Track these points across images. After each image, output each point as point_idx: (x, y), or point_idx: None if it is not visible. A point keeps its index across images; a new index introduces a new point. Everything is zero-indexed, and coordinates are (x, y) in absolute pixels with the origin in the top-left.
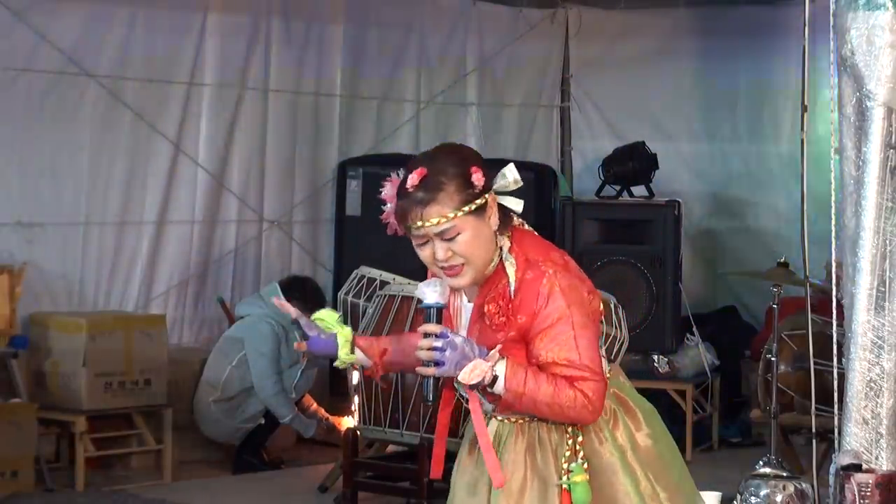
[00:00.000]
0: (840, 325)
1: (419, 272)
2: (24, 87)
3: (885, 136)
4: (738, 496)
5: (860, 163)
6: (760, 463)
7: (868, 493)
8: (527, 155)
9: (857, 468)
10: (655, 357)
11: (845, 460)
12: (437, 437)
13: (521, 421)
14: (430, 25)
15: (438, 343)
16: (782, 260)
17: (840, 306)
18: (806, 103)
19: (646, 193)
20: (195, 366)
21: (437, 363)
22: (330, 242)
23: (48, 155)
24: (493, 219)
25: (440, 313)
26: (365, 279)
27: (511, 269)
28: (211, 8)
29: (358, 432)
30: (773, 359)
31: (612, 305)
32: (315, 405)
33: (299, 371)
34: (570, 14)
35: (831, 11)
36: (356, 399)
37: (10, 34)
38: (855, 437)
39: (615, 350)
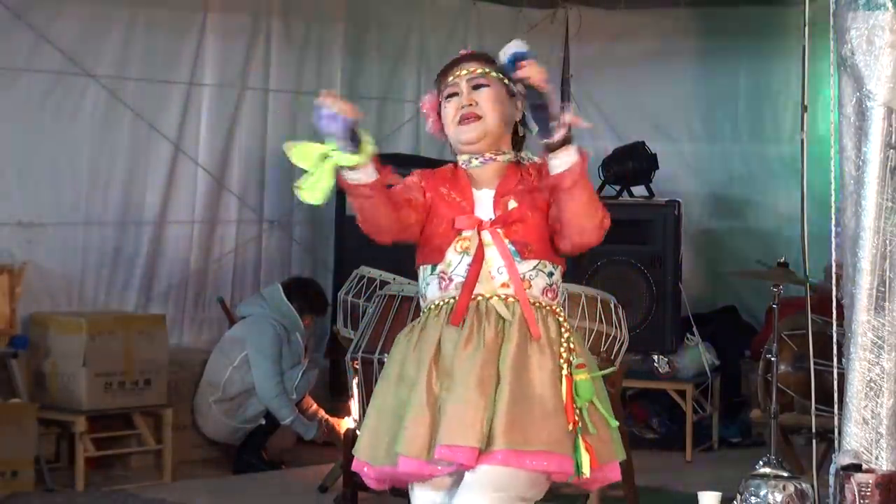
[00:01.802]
0: (840, 325)
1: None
2: (24, 87)
3: (885, 136)
4: (738, 496)
5: (860, 163)
6: (760, 463)
7: (868, 493)
8: None
9: (857, 468)
10: (655, 357)
11: (845, 460)
12: (465, 287)
13: (517, 300)
14: (430, 25)
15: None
16: (782, 260)
17: (840, 306)
18: (806, 103)
19: (646, 193)
20: (195, 366)
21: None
22: (330, 242)
23: (48, 155)
24: (518, 113)
25: (530, 55)
26: (365, 279)
27: (532, 157)
28: (211, 8)
29: (358, 432)
30: (773, 359)
31: (612, 305)
32: (315, 406)
33: (300, 372)
34: (570, 14)
35: (831, 11)
36: (355, 399)
37: (10, 34)
38: (855, 437)
39: (615, 350)
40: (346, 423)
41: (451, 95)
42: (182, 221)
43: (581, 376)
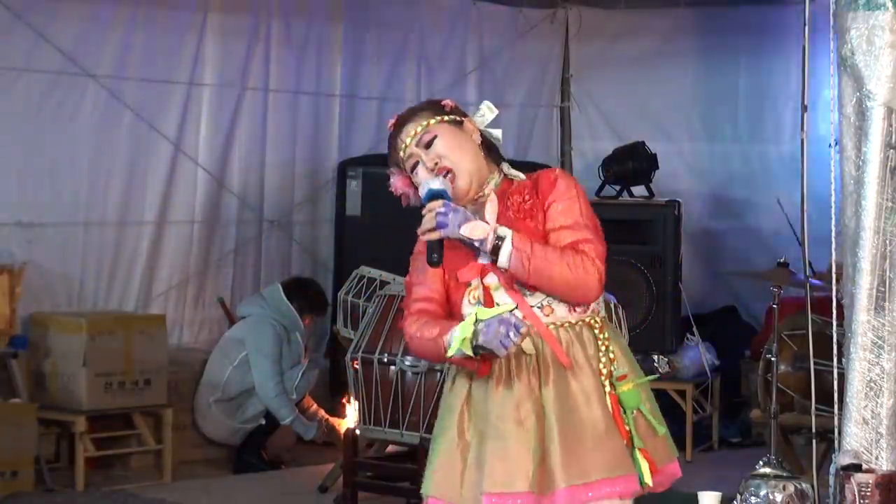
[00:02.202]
0: (840, 325)
1: None
2: (24, 87)
3: (885, 136)
4: (738, 496)
5: (860, 163)
6: (760, 463)
7: (868, 493)
8: (527, 155)
9: (857, 468)
10: (655, 357)
11: (845, 460)
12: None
13: (550, 326)
14: (430, 25)
15: (442, 209)
16: (782, 260)
17: (840, 306)
18: (806, 103)
19: (646, 193)
20: (195, 366)
21: (440, 225)
22: (330, 242)
23: (48, 155)
24: (476, 136)
25: (442, 194)
26: (365, 279)
27: (519, 174)
28: (211, 8)
29: (358, 432)
30: (773, 359)
31: (612, 305)
32: (315, 406)
33: (300, 372)
34: (570, 14)
35: (831, 11)
36: (355, 399)
37: (10, 34)
38: (855, 437)
39: None
40: (346, 423)
41: (413, 167)
42: (182, 221)
43: (625, 387)
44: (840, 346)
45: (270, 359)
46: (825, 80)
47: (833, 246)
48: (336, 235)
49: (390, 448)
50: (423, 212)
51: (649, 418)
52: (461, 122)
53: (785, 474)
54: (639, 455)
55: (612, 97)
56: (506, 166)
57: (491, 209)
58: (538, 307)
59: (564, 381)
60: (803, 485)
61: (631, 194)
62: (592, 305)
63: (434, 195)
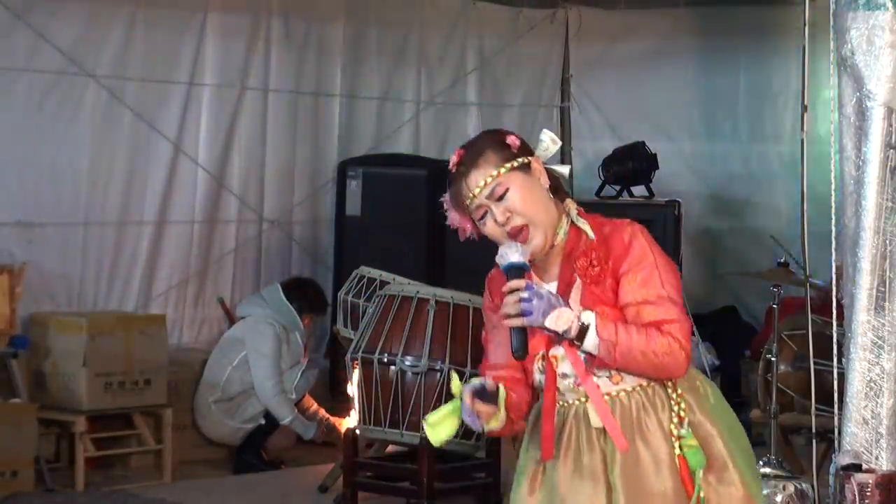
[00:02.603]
0: (840, 325)
1: (419, 272)
2: (24, 87)
3: (885, 136)
4: None
5: (860, 163)
6: (760, 463)
7: (868, 493)
8: None
9: (857, 468)
10: None
11: (845, 460)
12: (545, 415)
13: (622, 392)
14: (430, 25)
15: (525, 294)
16: (782, 260)
17: (840, 306)
18: (806, 103)
19: (646, 193)
20: (195, 366)
21: (524, 313)
22: (330, 242)
23: (48, 155)
24: (543, 178)
25: (523, 271)
26: (365, 279)
27: (587, 227)
28: (211, 8)
29: (358, 432)
30: (773, 359)
31: None
32: (315, 406)
33: (300, 372)
34: (570, 14)
35: (831, 11)
36: (355, 399)
37: (10, 34)
38: (855, 437)
39: None
40: (346, 423)
41: (482, 216)
42: (182, 221)
43: (687, 447)
44: (840, 346)
45: (269, 359)
46: (825, 80)
47: (833, 246)
48: (336, 235)
49: (390, 448)
50: (505, 289)
51: (732, 469)
52: (529, 165)
53: (785, 474)
54: None
55: (612, 97)
56: (572, 209)
57: (557, 257)
58: (607, 377)
59: (634, 452)
60: (803, 485)
61: (631, 194)
62: None
63: (516, 271)
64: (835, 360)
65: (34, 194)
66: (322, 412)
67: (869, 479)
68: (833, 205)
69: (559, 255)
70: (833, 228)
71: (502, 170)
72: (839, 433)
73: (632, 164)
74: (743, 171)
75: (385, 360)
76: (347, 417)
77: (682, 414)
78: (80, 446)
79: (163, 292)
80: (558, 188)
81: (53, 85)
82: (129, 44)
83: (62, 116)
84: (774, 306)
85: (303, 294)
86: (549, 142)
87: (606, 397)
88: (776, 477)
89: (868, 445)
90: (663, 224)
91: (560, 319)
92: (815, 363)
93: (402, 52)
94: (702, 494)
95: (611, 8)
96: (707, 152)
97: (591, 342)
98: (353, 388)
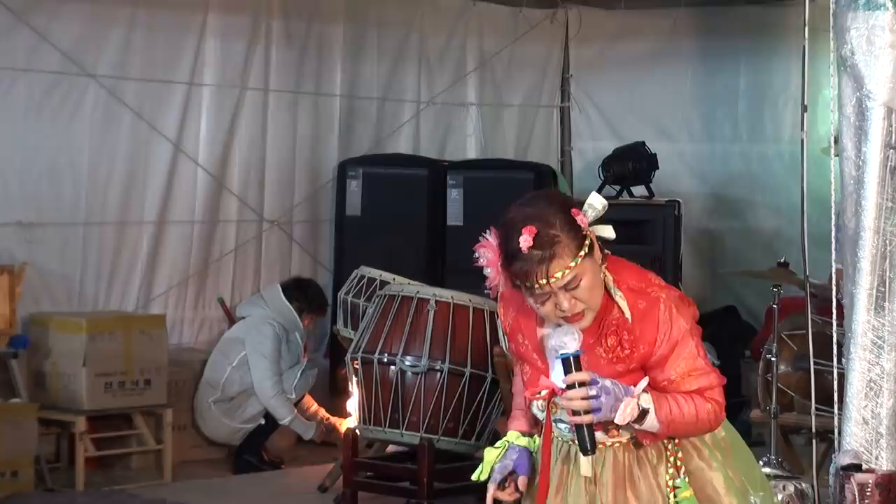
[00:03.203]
0: (840, 325)
1: (419, 272)
2: (24, 87)
3: (885, 136)
4: None
5: (860, 163)
6: (760, 463)
7: (868, 493)
8: (527, 155)
9: (857, 468)
10: None
11: (845, 460)
12: (542, 472)
13: (616, 444)
14: (430, 25)
15: (593, 391)
16: (782, 260)
17: (840, 306)
18: (806, 103)
19: (646, 193)
20: (195, 366)
21: (594, 410)
22: (330, 242)
23: (48, 155)
24: (597, 254)
25: (578, 361)
26: (365, 279)
27: (623, 303)
28: (211, 8)
29: (358, 432)
30: (773, 359)
31: None
32: (315, 406)
33: (299, 372)
34: (570, 14)
35: (831, 11)
36: (355, 399)
37: (10, 34)
38: (855, 437)
39: None
40: (346, 423)
41: (544, 301)
42: (182, 221)
43: (684, 497)
44: (840, 346)
45: (269, 359)
46: (825, 80)
47: (833, 246)
48: (336, 235)
49: (390, 448)
50: (564, 381)
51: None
52: (593, 247)
53: (785, 474)
54: None
55: (612, 97)
56: (609, 279)
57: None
58: (603, 431)
59: (623, 502)
60: (803, 485)
61: (631, 194)
62: None
63: (576, 361)
64: (835, 360)
65: (34, 194)
66: (322, 412)
67: (869, 479)
68: (833, 205)
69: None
70: (833, 229)
71: (579, 261)
72: (839, 433)
73: (632, 164)
74: (743, 171)
75: (385, 360)
76: (348, 417)
77: (679, 464)
78: (81, 446)
79: (163, 292)
80: (602, 253)
81: (53, 85)
82: (129, 44)
83: (62, 116)
84: (774, 306)
85: (303, 294)
86: (599, 209)
87: (600, 446)
88: (776, 477)
89: (868, 445)
90: (663, 224)
91: (627, 410)
92: (815, 363)
93: (402, 52)
94: None
95: (611, 8)
96: (707, 152)
97: (650, 424)
98: (352, 388)
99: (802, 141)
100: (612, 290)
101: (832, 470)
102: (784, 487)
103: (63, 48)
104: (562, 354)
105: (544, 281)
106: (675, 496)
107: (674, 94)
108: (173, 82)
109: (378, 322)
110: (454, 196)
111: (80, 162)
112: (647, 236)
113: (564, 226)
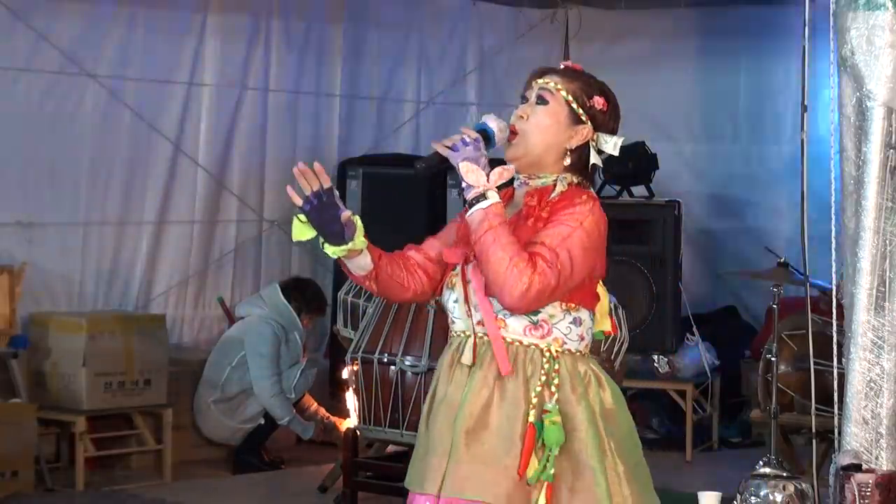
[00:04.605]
0: (840, 325)
1: None
2: (24, 87)
3: (885, 136)
4: (738, 496)
5: (860, 163)
6: (760, 463)
7: (868, 493)
8: None
9: (857, 468)
10: (655, 357)
11: (845, 460)
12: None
13: (500, 340)
14: (430, 25)
15: (467, 139)
16: (782, 260)
17: (840, 306)
18: (806, 103)
19: (646, 193)
20: (195, 366)
21: (454, 148)
22: None
23: (48, 155)
24: (574, 140)
25: (486, 134)
26: None
27: (561, 186)
28: (211, 8)
29: (358, 432)
30: (773, 359)
31: (612, 305)
32: (315, 405)
33: (299, 371)
34: (570, 14)
35: (831, 11)
36: (353, 399)
37: (10, 34)
38: (855, 437)
39: (615, 350)
40: (346, 423)
41: (522, 99)
42: (182, 221)
43: (549, 421)
44: (840, 346)
45: (268, 358)
46: (825, 80)
47: (833, 246)
48: None
49: (390, 448)
50: (460, 127)
51: (588, 461)
52: (581, 122)
53: (785, 474)
54: (542, 496)
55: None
56: (563, 178)
57: (520, 204)
58: (492, 323)
59: (488, 401)
60: (803, 485)
61: (631, 194)
62: (555, 334)
63: (482, 133)
64: (835, 360)
65: (34, 194)
66: (322, 412)
67: (869, 479)
68: (833, 205)
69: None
70: (833, 229)
71: (563, 92)
72: (839, 433)
73: (632, 164)
74: (743, 171)
75: (385, 360)
76: (348, 417)
77: (554, 389)
78: (80, 446)
79: (163, 292)
80: (584, 168)
81: (53, 85)
82: (129, 44)
83: (62, 116)
84: (774, 306)
85: (302, 294)
86: (612, 146)
87: (484, 338)
88: (776, 477)
89: (868, 445)
90: (663, 224)
91: (470, 174)
92: (815, 363)
93: (402, 52)
94: (551, 472)
95: (611, 8)
96: (707, 152)
97: (476, 211)
98: (351, 388)
99: (802, 141)
100: (561, 179)
101: (832, 470)
102: (784, 487)
103: (63, 48)
104: (478, 125)
105: (537, 79)
106: (541, 417)
107: (674, 94)
108: (173, 82)
109: (378, 322)
110: (454, 196)
111: (80, 162)
112: (647, 236)
113: (584, 86)
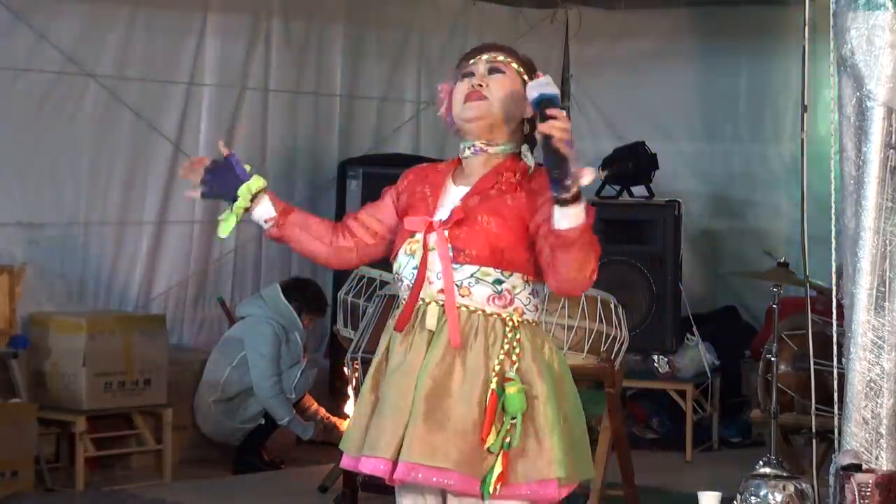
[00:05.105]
0: (840, 325)
1: None
2: (24, 87)
3: (885, 136)
4: (738, 496)
5: (860, 163)
6: (760, 463)
7: (868, 493)
8: None
9: (857, 468)
10: (655, 357)
11: (845, 460)
12: (411, 293)
13: (462, 308)
14: (430, 25)
15: (570, 127)
16: (782, 260)
17: (840, 306)
18: (806, 103)
19: (646, 193)
20: (195, 366)
21: (571, 144)
22: None
23: (48, 155)
24: (529, 111)
25: (557, 101)
26: (365, 279)
27: (531, 161)
28: (211, 8)
29: None
30: (773, 359)
31: (612, 305)
32: (315, 405)
33: (299, 371)
34: (570, 14)
35: (831, 11)
36: (354, 399)
37: (10, 34)
38: (855, 437)
39: (615, 350)
40: (347, 423)
41: (466, 75)
42: (182, 221)
43: (510, 390)
44: (840, 346)
45: (268, 359)
46: (825, 80)
47: (833, 246)
48: None
49: None
50: (552, 113)
51: (542, 423)
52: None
53: (785, 474)
54: (499, 461)
55: (612, 97)
56: (525, 149)
57: (483, 168)
58: (457, 284)
59: (450, 368)
60: (803, 485)
61: (631, 194)
62: (516, 304)
63: (551, 101)
64: (835, 360)
65: (34, 194)
66: (322, 412)
67: (869, 479)
68: (833, 205)
69: (487, 167)
70: (833, 229)
71: (515, 65)
72: (839, 433)
73: (632, 164)
74: (743, 171)
75: None
76: (348, 418)
77: (515, 358)
78: (80, 446)
79: (163, 292)
80: (525, 129)
81: (53, 85)
82: (129, 44)
83: (62, 116)
84: (774, 306)
85: (302, 294)
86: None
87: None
88: (776, 477)
89: (868, 445)
90: (663, 224)
91: (584, 170)
92: (815, 363)
93: (402, 52)
94: (509, 440)
95: (611, 8)
96: (707, 152)
97: (577, 210)
98: (351, 388)
99: (802, 141)
100: (525, 154)
101: (832, 470)
102: (784, 487)
103: (63, 48)
104: (543, 94)
105: (480, 56)
106: (503, 385)
107: (674, 94)
108: (173, 82)
109: (378, 322)
110: None
111: (80, 162)
112: (647, 236)
113: (519, 60)
